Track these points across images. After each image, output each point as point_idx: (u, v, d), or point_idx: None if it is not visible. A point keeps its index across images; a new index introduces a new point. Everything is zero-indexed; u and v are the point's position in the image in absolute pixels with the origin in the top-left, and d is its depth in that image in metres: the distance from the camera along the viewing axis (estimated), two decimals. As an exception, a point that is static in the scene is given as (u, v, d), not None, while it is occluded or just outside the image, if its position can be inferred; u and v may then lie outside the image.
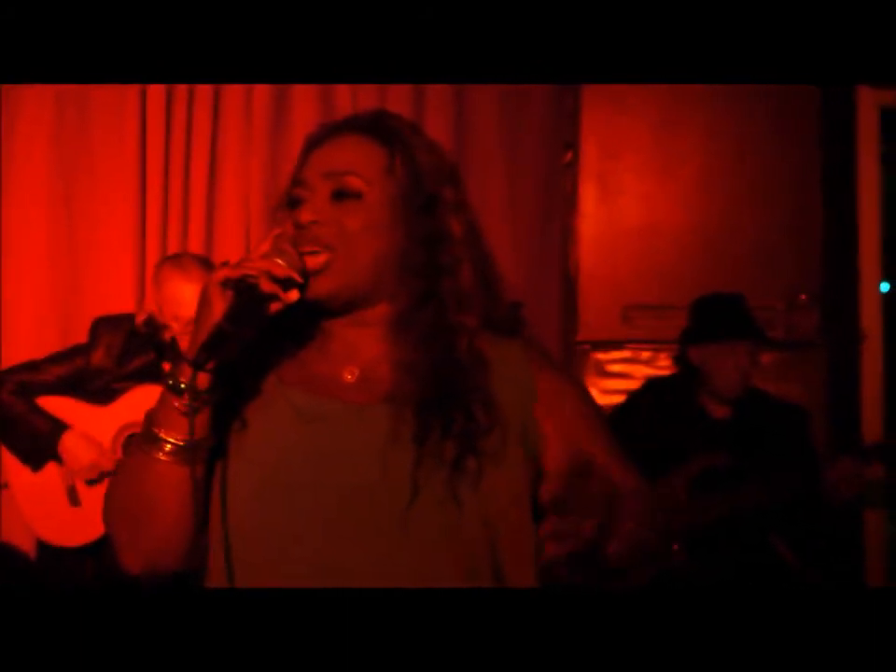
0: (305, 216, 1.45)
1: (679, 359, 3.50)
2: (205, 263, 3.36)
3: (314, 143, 1.53)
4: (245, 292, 1.35)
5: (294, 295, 1.39)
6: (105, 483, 3.21)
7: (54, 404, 3.27)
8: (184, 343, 3.18)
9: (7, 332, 3.94)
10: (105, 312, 3.47)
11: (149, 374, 3.28)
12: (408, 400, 1.42)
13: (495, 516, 1.40)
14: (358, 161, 1.48)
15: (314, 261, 1.41)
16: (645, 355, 4.21)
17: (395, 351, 1.47)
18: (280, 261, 1.38)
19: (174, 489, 1.38)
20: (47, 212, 3.99)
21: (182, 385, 1.36)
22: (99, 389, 3.29)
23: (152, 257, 3.89)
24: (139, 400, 3.25)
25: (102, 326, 3.33)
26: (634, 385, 3.80)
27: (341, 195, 1.46)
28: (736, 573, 3.19)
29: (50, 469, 3.25)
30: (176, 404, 1.36)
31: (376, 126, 1.52)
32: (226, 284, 1.35)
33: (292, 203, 1.49)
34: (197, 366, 1.34)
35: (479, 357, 1.45)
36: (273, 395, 1.46)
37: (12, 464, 3.26)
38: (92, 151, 4.01)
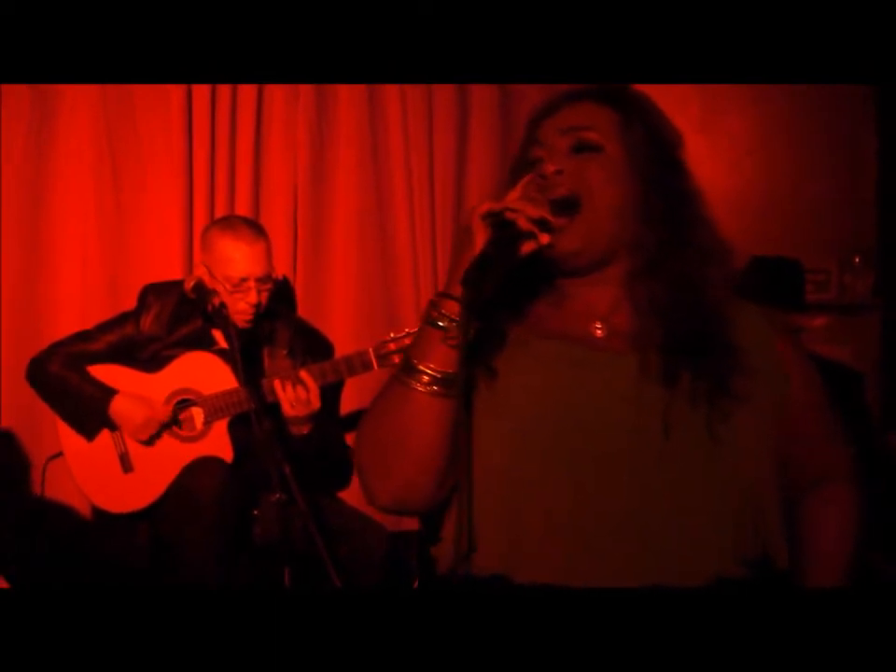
0: (549, 167, 1.48)
1: None
2: (254, 225, 3.37)
3: (545, 111, 1.56)
4: (504, 228, 1.38)
5: (546, 238, 1.42)
6: (159, 444, 3.25)
7: (105, 372, 3.30)
8: (233, 308, 3.21)
9: (57, 302, 3.98)
10: (153, 279, 3.49)
11: (198, 341, 3.30)
12: (655, 345, 1.45)
13: (751, 458, 1.44)
14: (596, 118, 1.52)
15: (558, 221, 1.43)
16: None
17: (640, 301, 1.50)
18: (534, 205, 1.40)
19: (429, 421, 1.41)
20: (93, 180, 4.00)
21: (441, 317, 1.39)
22: (149, 356, 3.31)
23: (199, 223, 3.90)
24: (188, 367, 3.28)
25: (151, 293, 3.35)
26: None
27: (580, 148, 1.50)
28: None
29: (103, 437, 3.28)
30: (436, 336, 1.40)
31: (609, 94, 1.56)
32: (487, 217, 1.38)
33: (530, 163, 1.53)
34: (454, 293, 1.37)
35: (722, 310, 1.49)
36: (526, 346, 1.49)
37: (66, 433, 3.30)
38: (137, 117, 4.01)
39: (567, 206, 1.46)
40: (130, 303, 3.40)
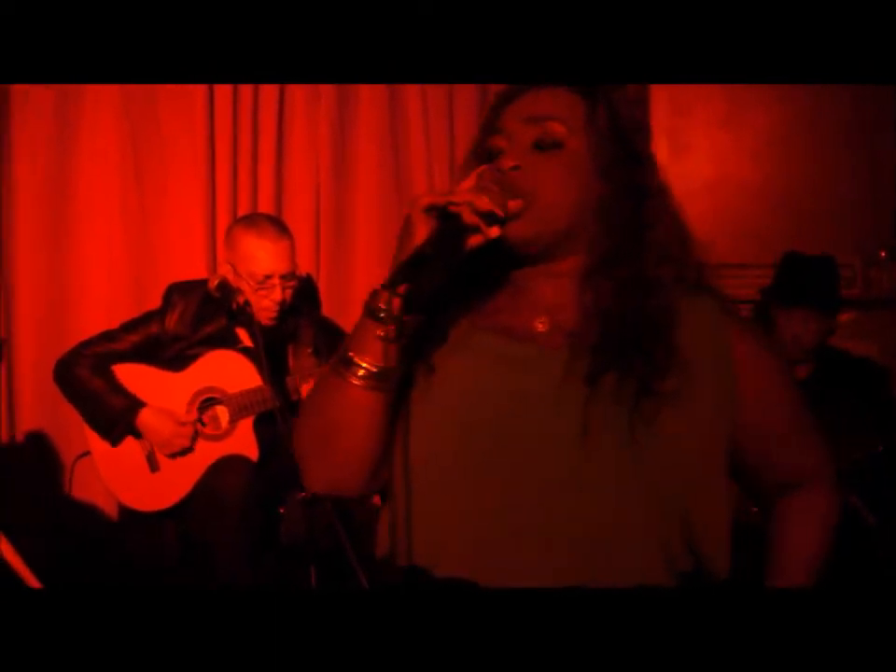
0: (507, 162, 1.45)
1: (760, 315, 3.47)
2: (278, 222, 3.38)
3: (511, 95, 1.52)
4: (447, 220, 1.36)
5: (495, 231, 1.39)
6: (184, 456, 3.27)
7: (130, 372, 3.32)
8: (257, 306, 3.23)
9: (83, 301, 4.01)
10: (177, 278, 3.51)
11: (223, 339, 3.31)
12: (589, 344, 1.42)
13: (680, 464, 1.39)
14: (560, 108, 1.47)
15: (513, 205, 1.41)
16: (719, 314, 4.15)
17: (587, 301, 1.46)
18: (484, 197, 1.38)
19: (362, 414, 1.40)
20: (118, 180, 4.03)
21: (379, 310, 1.37)
22: (173, 355, 3.32)
23: (222, 222, 3.92)
24: (213, 366, 3.29)
25: (175, 292, 3.37)
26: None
27: (542, 144, 1.46)
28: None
29: (130, 437, 3.30)
30: (373, 329, 1.38)
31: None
32: (429, 210, 1.36)
33: (490, 153, 1.50)
34: (391, 286, 1.35)
35: (670, 309, 1.43)
36: (466, 339, 1.48)
37: (93, 433, 3.32)
38: (160, 117, 4.04)
39: (519, 198, 1.43)
40: (154, 302, 3.42)
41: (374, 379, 1.39)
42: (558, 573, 1.36)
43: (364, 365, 1.39)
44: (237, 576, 3.07)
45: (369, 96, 4.10)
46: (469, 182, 1.39)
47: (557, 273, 1.48)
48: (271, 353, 3.19)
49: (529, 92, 1.50)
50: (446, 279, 1.41)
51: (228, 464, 3.20)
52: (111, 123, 4.01)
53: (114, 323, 3.44)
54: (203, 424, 3.29)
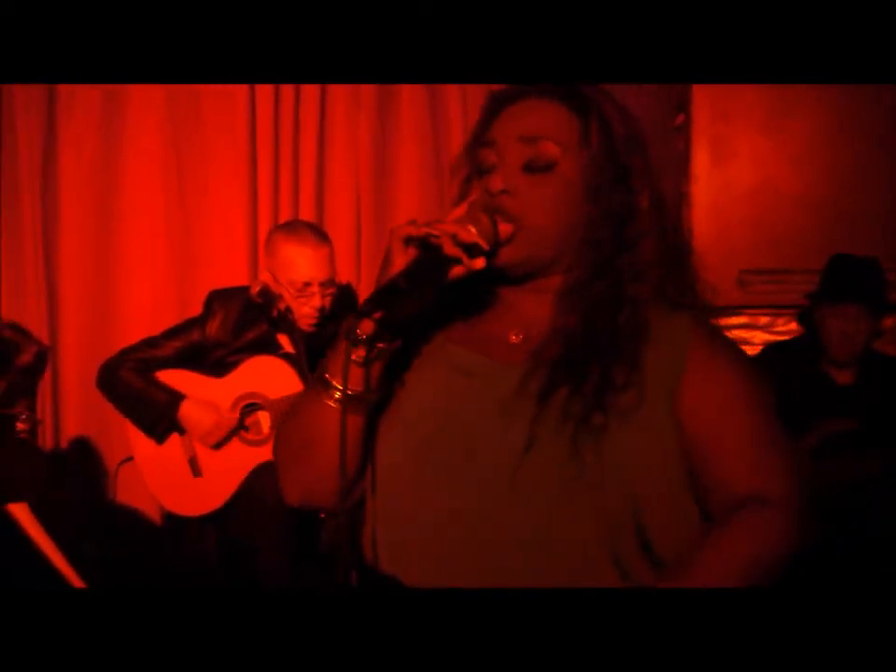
0: (496, 184, 1.43)
1: (805, 321, 3.45)
2: (317, 229, 3.40)
3: (504, 101, 1.49)
4: (427, 252, 1.35)
5: (479, 263, 1.39)
6: (227, 448, 3.29)
7: (172, 378, 3.34)
8: (297, 313, 3.24)
9: (127, 307, 4.05)
10: (219, 284, 3.53)
11: (264, 346, 3.33)
12: (547, 361, 1.41)
13: (631, 478, 1.35)
14: (553, 127, 1.45)
15: (502, 230, 1.40)
16: (763, 320, 4.12)
17: (558, 318, 1.45)
18: (471, 228, 1.37)
19: (336, 435, 1.39)
20: (160, 183, 4.07)
21: (355, 335, 1.36)
22: (215, 361, 3.35)
23: (264, 229, 3.94)
24: (254, 372, 3.31)
25: (217, 299, 3.39)
26: (752, 351, 3.72)
27: (533, 167, 1.44)
28: (859, 547, 3.12)
29: (173, 441, 3.32)
30: (349, 354, 1.38)
31: (571, 94, 1.48)
32: (408, 241, 1.36)
33: (481, 166, 1.48)
34: (362, 314, 1.33)
35: (638, 327, 1.41)
36: (437, 353, 1.48)
37: (136, 437, 3.35)
38: (204, 123, 4.07)
39: (509, 223, 1.42)
40: (196, 309, 3.44)
41: (349, 402, 1.39)
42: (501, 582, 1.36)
43: (339, 388, 1.39)
44: (278, 581, 3.08)
45: (409, 96, 4.10)
46: (459, 211, 1.40)
47: (538, 290, 1.47)
48: (312, 359, 3.21)
49: (522, 102, 1.47)
50: (426, 306, 1.39)
51: (269, 469, 3.19)
52: (154, 125, 4.04)
53: (156, 330, 3.47)
54: (245, 429, 3.31)
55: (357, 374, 1.38)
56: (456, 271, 1.38)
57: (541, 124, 1.45)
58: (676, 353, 1.41)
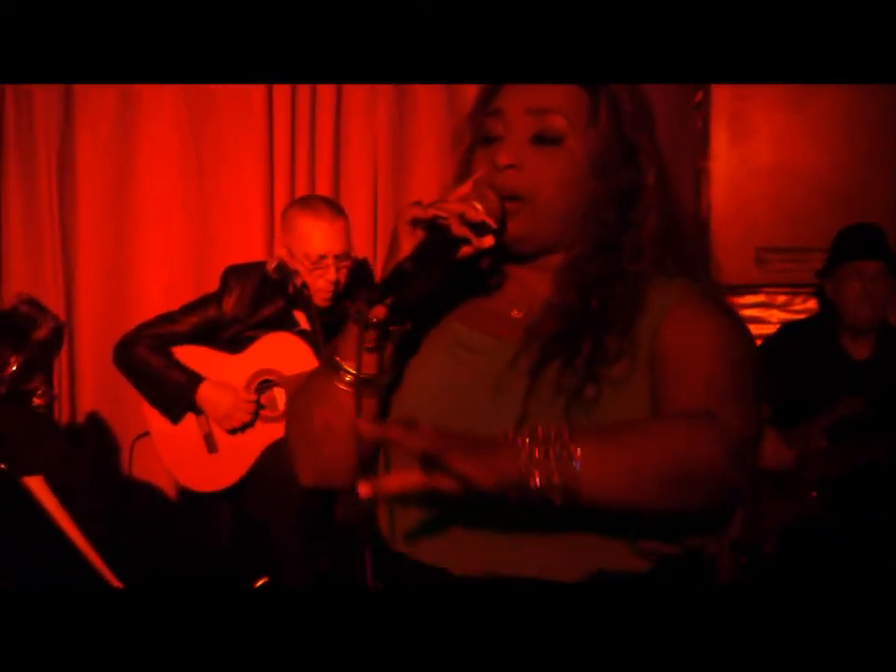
0: (503, 158, 1.40)
1: (819, 296, 3.43)
2: (333, 204, 3.39)
3: None
4: (435, 233, 1.33)
5: (488, 241, 1.37)
6: (242, 436, 3.30)
7: (189, 353, 3.35)
8: (313, 287, 3.24)
9: (143, 284, 4.06)
10: (235, 261, 3.53)
11: (280, 322, 3.33)
12: (541, 336, 1.39)
13: None
14: (562, 101, 1.42)
15: (509, 207, 1.38)
16: (780, 299, 4.11)
17: (556, 294, 1.43)
18: (478, 205, 1.35)
19: (348, 416, 1.38)
20: (178, 166, 4.07)
21: (364, 319, 1.34)
22: (231, 337, 3.35)
23: (280, 204, 3.94)
24: (271, 348, 3.31)
25: (233, 274, 3.39)
26: (769, 329, 3.71)
27: (541, 139, 1.41)
28: (872, 528, 3.11)
29: (188, 417, 3.33)
30: (359, 337, 1.36)
31: None
32: (415, 223, 1.34)
33: (487, 136, 1.45)
34: (372, 300, 1.32)
35: (633, 299, 1.40)
36: (442, 332, 1.47)
37: (152, 413, 3.36)
38: (220, 104, 4.06)
39: (515, 200, 1.40)
40: (212, 285, 3.45)
41: (362, 385, 1.38)
42: (494, 560, 1.35)
43: (351, 371, 1.38)
44: (293, 558, 3.09)
45: (426, 94, 4.09)
46: (464, 188, 1.37)
47: (542, 266, 1.46)
48: (328, 335, 3.21)
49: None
50: (434, 286, 1.38)
51: (285, 446, 3.21)
52: (171, 107, 4.05)
53: (173, 306, 3.48)
54: (261, 405, 3.32)
55: (368, 358, 1.37)
56: (465, 250, 1.36)
57: (550, 97, 1.42)
58: (660, 314, 1.39)
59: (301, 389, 1.50)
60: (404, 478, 1.24)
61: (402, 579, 1.41)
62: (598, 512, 1.25)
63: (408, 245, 1.33)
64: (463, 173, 1.46)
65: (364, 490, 1.24)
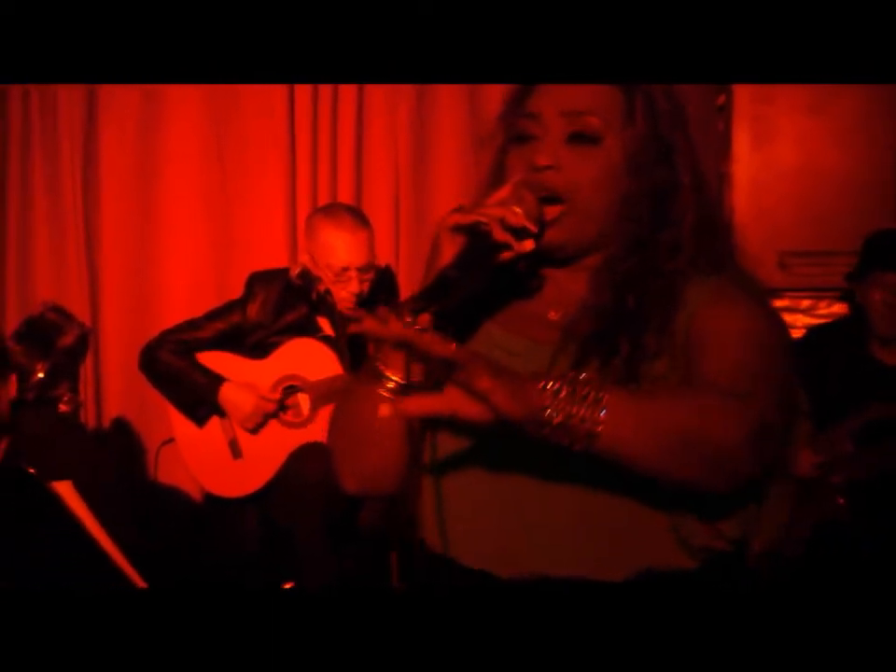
0: (541, 158, 1.39)
1: (848, 299, 3.41)
2: (356, 212, 3.40)
3: None
4: (476, 239, 1.32)
5: (528, 245, 1.36)
6: (267, 430, 3.30)
7: (213, 359, 3.37)
8: (337, 294, 3.25)
9: (168, 290, 4.08)
10: (258, 267, 3.54)
11: (304, 327, 3.34)
12: (578, 337, 1.39)
13: None
14: (599, 101, 1.42)
15: (549, 213, 1.38)
16: (805, 303, 4.08)
17: (592, 294, 1.43)
18: (518, 209, 1.34)
19: (391, 424, 1.39)
20: (201, 171, 4.09)
21: (407, 325, 1.30)
22: (255, 343, 3.37)
23: (303, 211, 3.95)
24: (294, 354, 3.32)
25: (257, 281, 3.40)
26: (793, 334, 3.68)
27: (578, 138, 1.40)
28: (888, 544, 3.08)
29: (213, 423, 3.35)
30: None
31: None
32: (457, 229, 1.34)
33: (522, 137, 1.44)
34: (416, 310, 1.31)
35: (670, 296, 1.39)
36: (480, 335, 1.46)
37: (177, 419, 3.38)
38: (243, 106, 4.08)
39: (555, 202, 1.39)
40: (237, 292, 3.46)
41: (402, 392, 1.37)
42: (539, 561, 1.35)
43: (393, 378, 1.38)
44: (319, 562, 3.09)
45: (447, 94, 4.09)
46: (503, 192, 1.36)
47: (578, 267, 1.45)
48: (351, 341, 3.22)
49: None
50: (475, 292, 1.38)
51: (309, 451, 3.23)
52: (194, 110, 4.07)
53: (197, 312, 3.50)
54: (285, 411, 3.33)
55: (411, 366, 1.37)
56: (506, 255, 1.36)
57: (585, 98, 1.42)
58: (695, 309, 1.38)
59: (345, 394, 1.50)
60: (427, 401, 1.22)
61: (447, 583, 1.41)
62: (612, 471, 1.25)
63: (449, 251, 1.34)
64: (496, 174, 1.46)
65: (385, 410, 1.24)
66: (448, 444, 1.42)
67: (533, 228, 1.36)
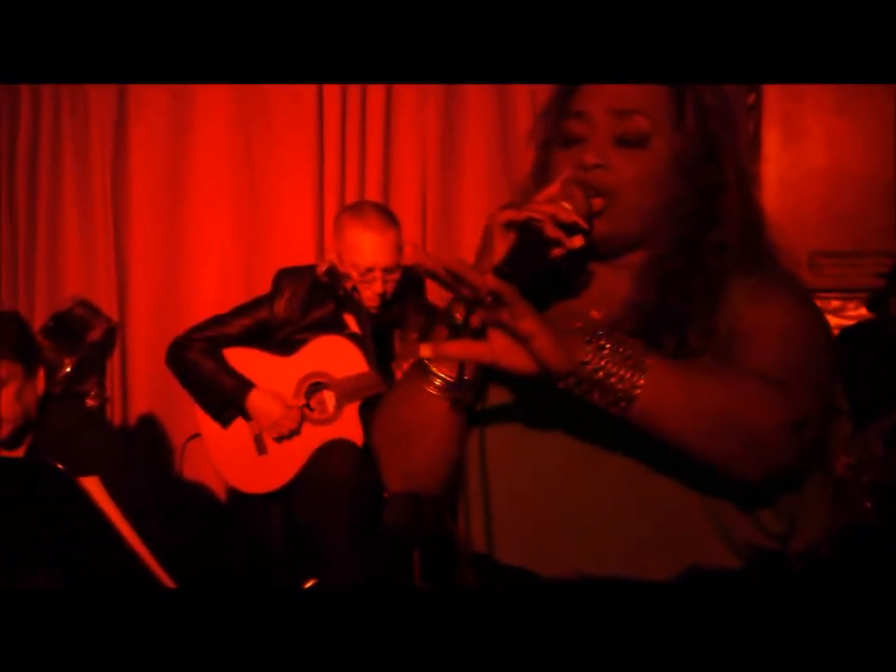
0: (590, 157, 1.39)
1: (875, 306, 3.39)
2: (384, 211, 3.40)
3: None
4: (527, 235, 1.32)
5: (578, 241, 1.36)
6: (291, 439, 3.32)
7: (239, 355, 3.37)
8: (363, 294, 3.25)
9: (196, 287, 4.10)
10: (286, 264, 3.55)
11: (330, 325, 3.34)
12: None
13: None
14: (645, 100, 1.41)
15: (595, 205, 1.38)
16: (834, 304, 4.05)
17: (636, 293, 1.42)
18: (567, 206, 1.34)
19: (439, 420, 1.39)
20: (229, 168, 4.11)
21: (456, 323, 1.33)
22: (282, 340, 3.37)
23: (331, 208, 3.96)
24: (321, 351, 3.32)
25: (284, 277, 3.40)
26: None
27: (625, 140, 1.40)
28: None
29: (239, 419, 3.35)
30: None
31: None
32: (509, 226, 1.34)
33: (568, 136, 1.43)
34: (472, 307, 1.29)
35: (715, 296, 1.38)
36: None
37: (203, 415, 3.38)
38: (272, 104, 4.09)
39: (603, 199, 1.38)
40: (264, 288, 3.47)
41: (451, 389, 1.37)
42: (584, 560, 1.35)
43: (441, 375, 1.38)
44: (342, 559, 3.10)
45: (475, 94, 4.09)
46: (552, 189, 1.36)
47: (621, 265, 1.45)
48: (377, 338, 3.23)
49: None
50: (524, 289, 1.38)
51: (334, 448, 3.23)
52: (223, 108, 4.09)
53: (224, 308, 3.50)
54: (311, 408, 3.33)
55: (460, 362, 1.35)
56: (556, 252, 1.35)
57: (633, 97, 1.41)
58: (737, 308, 1.38)
59: (392, 392, 1.50)
60: (470, 346, 1.22)
61: (493, 583, 1.41)
62: (641, 440, 1.24)
63: (501, 247, 1.33)
64: (541, 172, 1.46)
65: (426, 352, 1.23)
66: (497, 443, 1.41)
67: (584, 224, 1.35)
